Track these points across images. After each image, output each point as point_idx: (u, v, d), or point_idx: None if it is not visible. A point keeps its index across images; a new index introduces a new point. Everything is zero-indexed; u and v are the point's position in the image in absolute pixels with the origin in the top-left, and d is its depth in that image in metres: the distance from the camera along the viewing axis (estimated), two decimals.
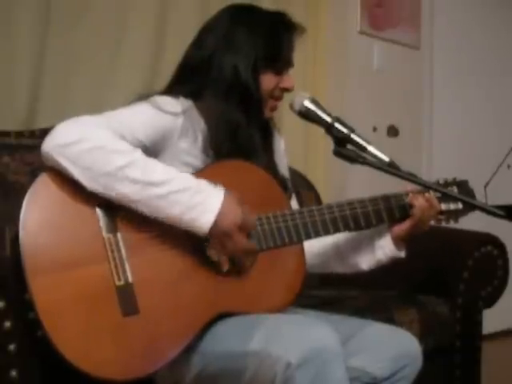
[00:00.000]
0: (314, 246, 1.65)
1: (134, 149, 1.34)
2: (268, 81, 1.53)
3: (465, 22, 3.54)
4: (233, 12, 1.58)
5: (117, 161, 1.30)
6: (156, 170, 1.33)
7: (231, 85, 1.50)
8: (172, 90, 1.54)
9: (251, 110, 1.52)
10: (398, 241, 1.59)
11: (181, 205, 1.31)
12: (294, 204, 1.69)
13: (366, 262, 1.62)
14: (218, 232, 1.33)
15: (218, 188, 1.35)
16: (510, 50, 3.76)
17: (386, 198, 1.56)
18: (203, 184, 1.34)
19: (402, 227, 1.57)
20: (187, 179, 1.34)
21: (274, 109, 1.58)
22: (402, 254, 1.60)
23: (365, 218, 1.53)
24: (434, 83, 3.47)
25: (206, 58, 1.52)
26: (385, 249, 1.59)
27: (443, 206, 1.59)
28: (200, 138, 1.48)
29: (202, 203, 1.32)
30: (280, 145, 1.70)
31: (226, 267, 1.39)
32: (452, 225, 1.66)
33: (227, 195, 1.35)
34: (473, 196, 1.63)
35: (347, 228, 1.52)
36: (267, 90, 1.54)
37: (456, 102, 3.52)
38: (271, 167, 1.57)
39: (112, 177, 1.30)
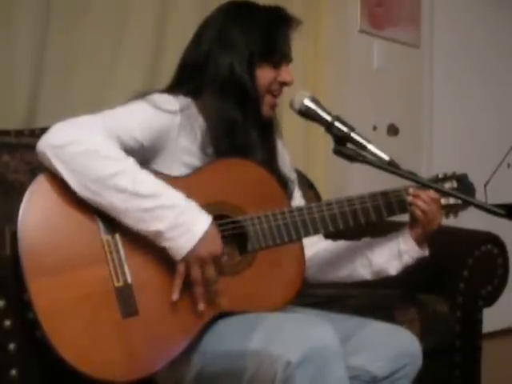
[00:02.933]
0: (339, 258, 1.67)
1: (126, 157, 1.33)
2: (265, 75, 1.53)
3: (465, 20, 3.54)
4: (228, 9, 1.58)
5: (108, 168, 1.29)
6: (146, 181, 1.32)
7: (227, 82, 1.50)
8: (173, 88, 1.54)
9: (248, 107, 1.51)
10: (420, 242, 1.60)
11: (165, 221, 1.29)
12: (300, 200, 1.70)
13: (393, 267, 1.63)
14: (192, 257, 1.31)
15: (206, 214, 1.34)
16: (509, 49, 3.76)
17: (385, 194, 1.56)
18: (192, 205, 1.33)
19: (419, 230, 1.58)
20: (176, 197, 1.33)
21: (273, 106, 1.57)
22: (426, 253, 1.63)
23: (364, 214, 1.53)
24: (433, 82, 3.47)
25: (203, 55, 1.52)
26: (410, 252, 1.61)
27: (443, 201, 1.59)
28: (199, 136, 1.48)
29: (187, 224, 1.30)
30: (279, 146, 1.69)
31: (176, 295, 1.33)
32: (452, 223, 1.66)
33: (213, 223, 1.34)
34: (473, 190, 1.63)
35: (346, 224, 1.52)
36: (264, 84, 1.53)
37: (456, 100, 3.52)
38: (271, 165, 1.57)
39: (100, 183, 1.29)
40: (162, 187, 1.33)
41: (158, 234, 1.30)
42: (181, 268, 1.33)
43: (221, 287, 1.39)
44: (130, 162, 1.33)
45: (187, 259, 1.31)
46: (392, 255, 1.62)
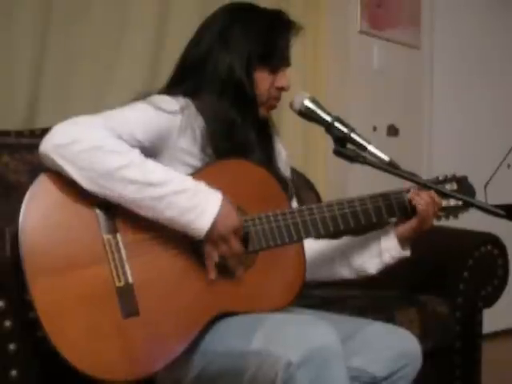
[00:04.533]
0: (320, 256, 1.66)
1: (131, 149, 1.34)
2: (263, 80, 1.53)
3: (465, 21, 3.54)
4: (230, 10, 1.58)
5: (114, 161, 1.30)
6: (154, 170, 1.33)
7: (226, 82, 1.50)
8: (171, 88, 1.54)
9: (246, 108, 1.52)
10: (404, 241, 1.59)
11: (178, 207, 1.31)
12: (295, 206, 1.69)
13: (373, 266, 1.62)
14: (214, 235, 1.33)
15: (216, 191, 1.35)
16: (510, 50, 3.76)
17: (386, 196, 1.56)
18: (201, 186, 1.35)
19: (408, 227, 1.57)
20: (185, 181, 1.34)
21: (272, 108, 1.58)
22: (408, 253, 1.61)
23: (365, 215, 1.53)
24: (433, 83, 3.47)
25: (203, 56, 1.53)
26: (391, 251, 1.59)
27: (443, 203, 1.59)
28: (199, 137, 1.48)
29: (200, 205, 1.32)
30: (278, 145, 1.69)
31: (212, 275, 1.37)
32: (452, 224, 1.66)
33: (225, 198, 1.35)
34: (473, 192, 1.62)
35: (347, 225, 1.52)
36: (263, 89, 1.53)
37: (456, 101, 3.52)
38: (270, 165, 1.57)
39: (109, 177, 1.30)
40: (171, 174, 1.34)
41: (173, 220, 1.32)
42: (208, 249, 1.36)
43: (221, 287, 1.39)
44: (136, 153, 1.34)
45: (209, 239, 1.33)
46: (372, 254, 1.61)
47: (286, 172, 1.68)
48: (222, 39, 1.52)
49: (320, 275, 1.68)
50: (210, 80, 1.51)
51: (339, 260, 1.66)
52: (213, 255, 1.36)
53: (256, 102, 1.54)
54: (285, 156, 1.72)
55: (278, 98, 1.57)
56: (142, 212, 1.33)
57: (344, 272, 1.66)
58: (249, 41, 1.52)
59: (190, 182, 1.34)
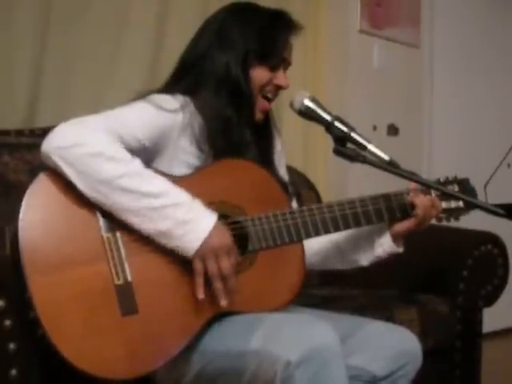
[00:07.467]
0: (314, 245, 1.64)
1: (131, 158, 1.34)
2: (260, 75, 1.53)
3: (465, 20, 3.54)
4: (230, 9, 1.58)
5: (113, 169, 1.30)
6: (152, 181, 1.32)
7: (223, 80, 1.50)
8: (170, 87, 1.54)
9: (242, 106, 1.52)
10: (397, 237, 1.58)
11: (173, 219, 1.30)
12: (294, 206, 1.69)
13: (365, 258, 1.62)
14: (205, 251, 1.31)
15: (211, 211, 1.34)
16: (509, 49, 3.76)
17: (387, 197, 1.55)
18: (197, 203, 1.34)
19: (404, 226, 1.56)
20: (182, 195, 1.33)
21: (264, 111, 1.57)
22: (400, 250, 1.60)
23: (365, 217, 1.52)
24: (433, 82, 3.47)
25: (201, 54, 1.53)
26: (384, 246, 1.58)
27: (444, 204, 1.59)
28: (197, 135, 1.48)
29: (194, 220, 1.31)
30: (278, 145, 1.69)
31: (201, 294, 1.33)
32: (452, 223, 1.66)
33: (219, 220, 1.34)
34: (474, 194, 1.62)
35: (347, 227, 1.52)
36: (259, 84, 1.53)
37: (456, 100, 3.52)
38: (268, 165, 1.57)
39: (107, 185, 1.29)
40: (168, 186, 1.34)
41: (166, 233, 1.31)
42: (198, 265, 1.33)
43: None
44: (136, 163, 1.33)
45: (201, 254, 1.32)
46: (365, 247, 1.61)
47: (282, 170, 1.67)
48: (220, 38, 1.52)
49: (312, 265, 1.66)
50: (207, 78, 1.51)
51: (333, 252, 1.66)
52: (202, 273, 1.33)
53: (252, 100, 1.54)
54: (284, 161, 1.71)
55: (273, 94, 1.56)
56: (135, 222, 1.31)
57: (337, 263, 1.67)
58: (247, 39, 1.51)
59: (187, 197, 1.33)
